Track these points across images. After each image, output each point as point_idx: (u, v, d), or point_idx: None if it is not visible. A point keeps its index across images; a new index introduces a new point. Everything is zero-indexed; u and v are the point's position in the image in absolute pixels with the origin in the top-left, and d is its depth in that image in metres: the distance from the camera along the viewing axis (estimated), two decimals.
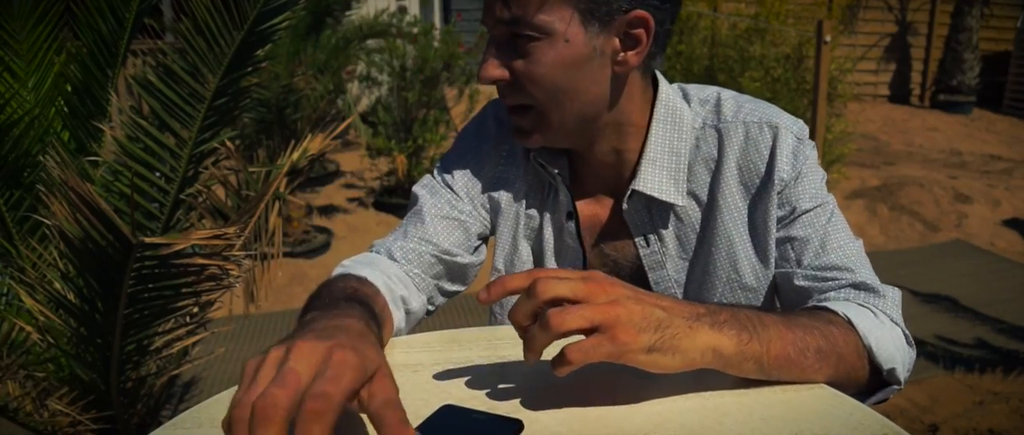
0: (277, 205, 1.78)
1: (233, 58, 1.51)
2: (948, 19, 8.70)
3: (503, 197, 0.98)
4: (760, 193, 0.89)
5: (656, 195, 0.90)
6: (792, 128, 0.89)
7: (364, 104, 6.52)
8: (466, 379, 0.71)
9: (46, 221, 1.41)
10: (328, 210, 5.11)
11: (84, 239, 1.24)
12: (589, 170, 0.95)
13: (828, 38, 3.71)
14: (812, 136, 3.93)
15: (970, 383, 2.88)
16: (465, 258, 0.96)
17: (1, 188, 1.70)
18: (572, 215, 0.95)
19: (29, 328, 1.56)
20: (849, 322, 0.77)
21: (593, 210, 0.96)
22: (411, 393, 0.68)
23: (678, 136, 0.90)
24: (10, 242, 1.71)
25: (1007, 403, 2.71)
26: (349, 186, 5.66)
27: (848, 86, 5.43)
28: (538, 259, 0.99)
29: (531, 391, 0.68)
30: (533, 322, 0.62)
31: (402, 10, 6.13)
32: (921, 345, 3.17)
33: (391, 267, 0.91)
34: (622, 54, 0.84)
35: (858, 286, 0.86)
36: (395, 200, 5.11)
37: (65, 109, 1.82)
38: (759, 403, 0.66)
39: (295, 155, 1.81)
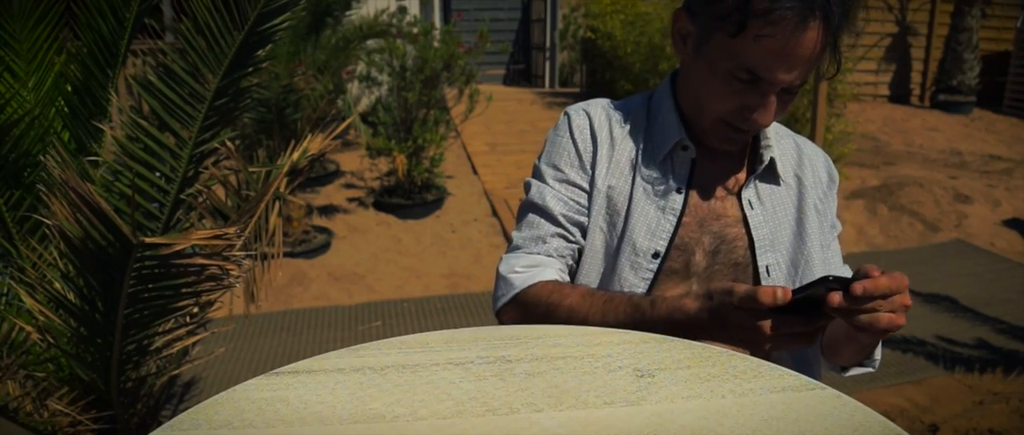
0: (277, 205, 1.78)
1: (233, 58, 1.52)
2: (948, 19, 8.69)
3: (599, 167, 1.09)
4: (823, 186, 1.12)
5: (778, 167, 1.07)
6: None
7: (364, 104, 6.53)
8: (465, 380, 0.71)
9: (46, 221, 1.41)
10: (328, 210, 5.12)
11: (84, 239, 1.24)
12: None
13: None
14: (812, 136, 3.93)
15: (970, 383, 2.88)
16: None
17: (1, 188, 1.70)
18: (686, 180, 1.07)
19: (29, 328, 1.56)
20: None
21: (707, 173, 1.08)
22: (409, 393, 0.68)
23: (775, 126, 1.11)
24: (10, 242, 1.71)
25: (1007, 403, 2.71)
26: (349, 186, 5.66)
27: (848, 86, 5.42)
28: (619, 208, 1.08)
29: (530, 392, 0.68)
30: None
31: (402, 10, 6.13)
32: (921, 345, 3.17)
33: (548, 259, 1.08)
34: None
35: None
36: (395, 200, 5.11)
37: (65, 109, 1.82)
38: (760, 404, 0.66)
39: (295, 155, 1.81)
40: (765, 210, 1.07)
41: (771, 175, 1.08)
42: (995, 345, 3.19)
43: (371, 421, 0.64)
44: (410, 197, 5.11)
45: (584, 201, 1.08)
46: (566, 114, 1.13)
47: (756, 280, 1.05)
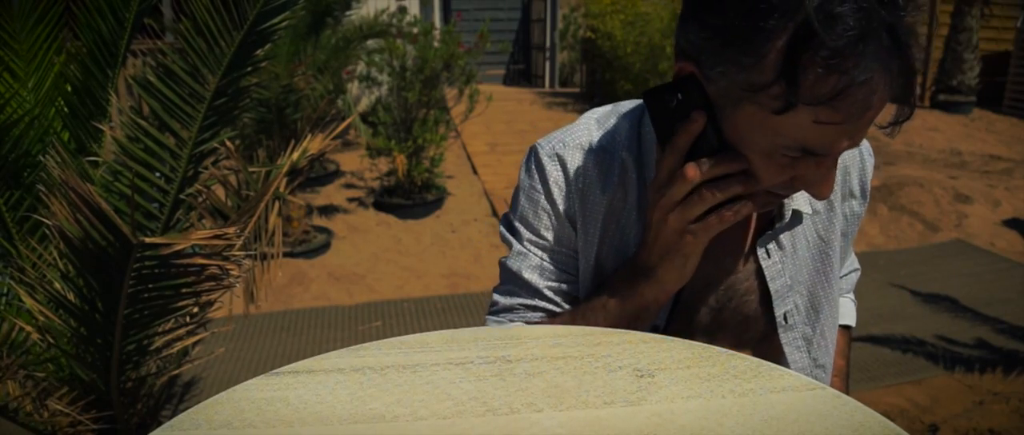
0: (277, 205, 1.78)
1: (233, 58, 1.52)
2: (948, 19, 8.69)
3: (587, 224, 0.93)
4: (855, 204, 0.98)
5: (806, 211, 0.91)
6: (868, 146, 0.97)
7: (364, 104, 6.53)
8: (465, 380, 0.71)
9: (46, 221, 1.41)
10: (328, 210, 5.12)
11: (84, 239, 1.24)
12: None
13: None
14: None
15: (970, 383, 2.88)
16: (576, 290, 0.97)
17: (1, 188, 1.70)
18: None
19: (29, 328, 1.56)
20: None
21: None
22: (409, 393, 0.68)
23: None
24: (10, 242, 1.71)
25: (1007, 403, 2.71)
26: (349, 186, 5.66)
27: None
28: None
29: (530, 392, 0.68)
30: None
31: (402, 10, 6.13)
32: (921, 345, 3.17)
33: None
34: None
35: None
36: (395, 200, 5.11)
37: (65, 109, 1.82)
38: (760, 404, 0.66)
39: (295, 155, 1.81)
40: (784, 255, 0.92)
41: (794, 216, 0.91)
42: (995, 345, 3.19)
43: (371, 421, 0.64)
44: (410, 197, 5.12)
45: (569, 265, 0.94)
46: (539, 162, 0.92)
47: (772, 331, 0.94)
